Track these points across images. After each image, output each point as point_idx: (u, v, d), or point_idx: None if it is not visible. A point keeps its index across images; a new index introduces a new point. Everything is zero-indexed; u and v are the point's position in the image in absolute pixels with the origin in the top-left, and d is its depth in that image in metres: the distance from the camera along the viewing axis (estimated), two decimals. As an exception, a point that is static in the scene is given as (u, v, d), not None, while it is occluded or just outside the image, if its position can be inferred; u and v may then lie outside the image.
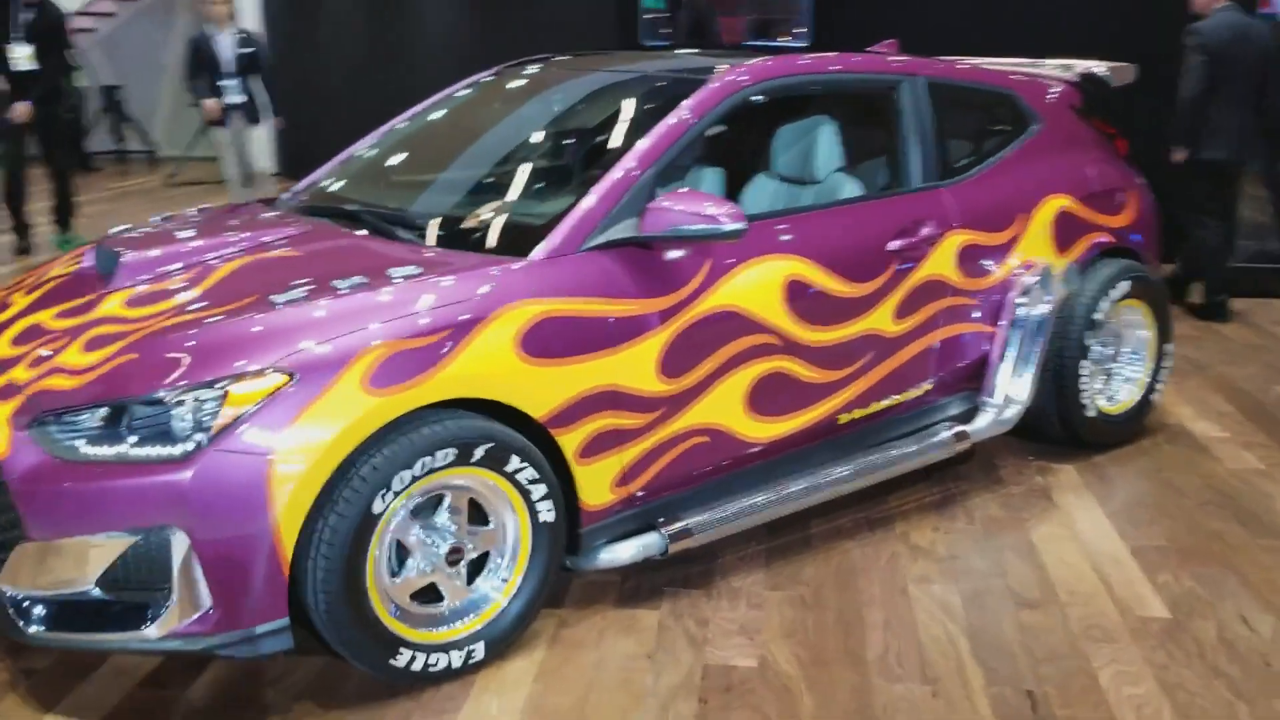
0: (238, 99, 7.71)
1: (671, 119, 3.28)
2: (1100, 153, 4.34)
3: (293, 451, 2.49)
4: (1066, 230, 4.09)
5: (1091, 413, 4.19)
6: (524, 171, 3.65)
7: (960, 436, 3.78)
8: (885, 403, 3.69)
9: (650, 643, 2.99)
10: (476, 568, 2.89)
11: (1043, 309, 3.91)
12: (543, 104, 3.92)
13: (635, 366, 3.01)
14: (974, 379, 3.94)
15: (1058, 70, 4.52)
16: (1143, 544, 3.55)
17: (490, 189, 3.55)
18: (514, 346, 2.79)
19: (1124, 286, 4.18)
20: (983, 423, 3.88)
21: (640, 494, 3.12)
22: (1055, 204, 4.06)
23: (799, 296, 3.33)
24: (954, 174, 3.89)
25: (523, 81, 4.08)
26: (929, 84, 3.89)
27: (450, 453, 2.68)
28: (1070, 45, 5.91)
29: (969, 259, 3.81)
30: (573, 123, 3.83)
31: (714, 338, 3.17)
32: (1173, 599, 3.20)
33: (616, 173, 3.13)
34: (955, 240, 3.75)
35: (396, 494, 2.62)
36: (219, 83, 7.65)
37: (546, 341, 2.84)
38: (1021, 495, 3.92)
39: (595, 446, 2.97)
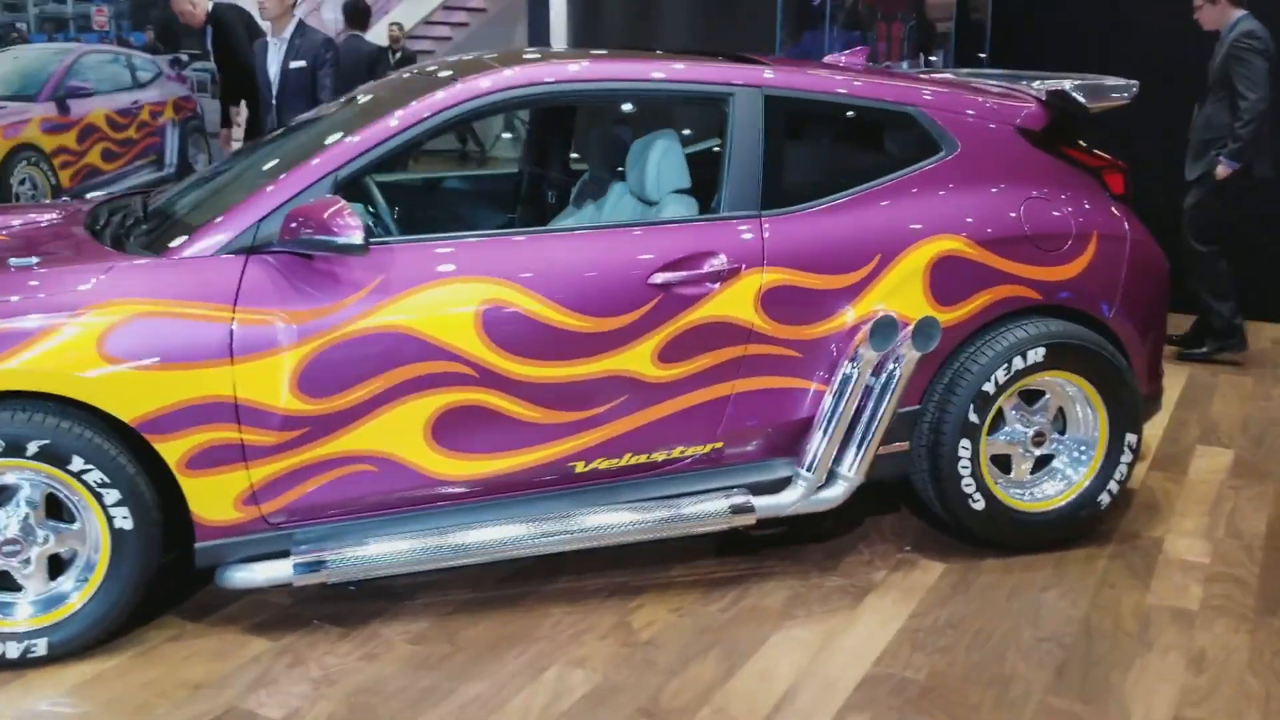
0: None
1: (376, 125, 3.08)
2: (1051, 188, 3.51)
3: None
4: (952, 279, 3.34)
5: (979, 505, 3.40)
6: (250, 175, 3.38)
7: (741, 510, 3.21)
8: (648, 456, 3.22)
9: (228, 670, 2.83)
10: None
11: (893, 370, 3.23)
12: (346, 107, 3.67)
13: (261, 381, 2.85)
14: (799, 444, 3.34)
15: (1032, 86, 3.70)
16: (890, 672, 2.84)
17: (217, 193, 3.37)
18: (97, 345, 2.74)
19: (1036, 355, 3.36)
20: (788, 498, 3.27)
21: (281, 517, 2.96)
22: (936, 247, 3.33)
23: (501, 325, 3.00)
24: (787, 202, 3.31)
25: (389, 81, 3.95)
26: (766, 97, 3.34)
27: None
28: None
29: (783, 303, 3.22)
30: (327, 125, 3.46)
31: (377, 359, 2.93)
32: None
33: (290, 177, 2.99)
34: (759, 279, 3.19)
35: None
36: None
37: (141, 344, 2.77)
38: (832, 589, 3.27)
39: (207, 459, 2.85)
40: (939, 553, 3.48)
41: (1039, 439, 3.50)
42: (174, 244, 2.94)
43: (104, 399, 2.75)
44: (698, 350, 3.17)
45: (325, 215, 2.80)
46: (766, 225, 3.25)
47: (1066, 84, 3.55)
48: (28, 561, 2.84)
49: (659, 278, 3.10)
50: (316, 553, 2.94)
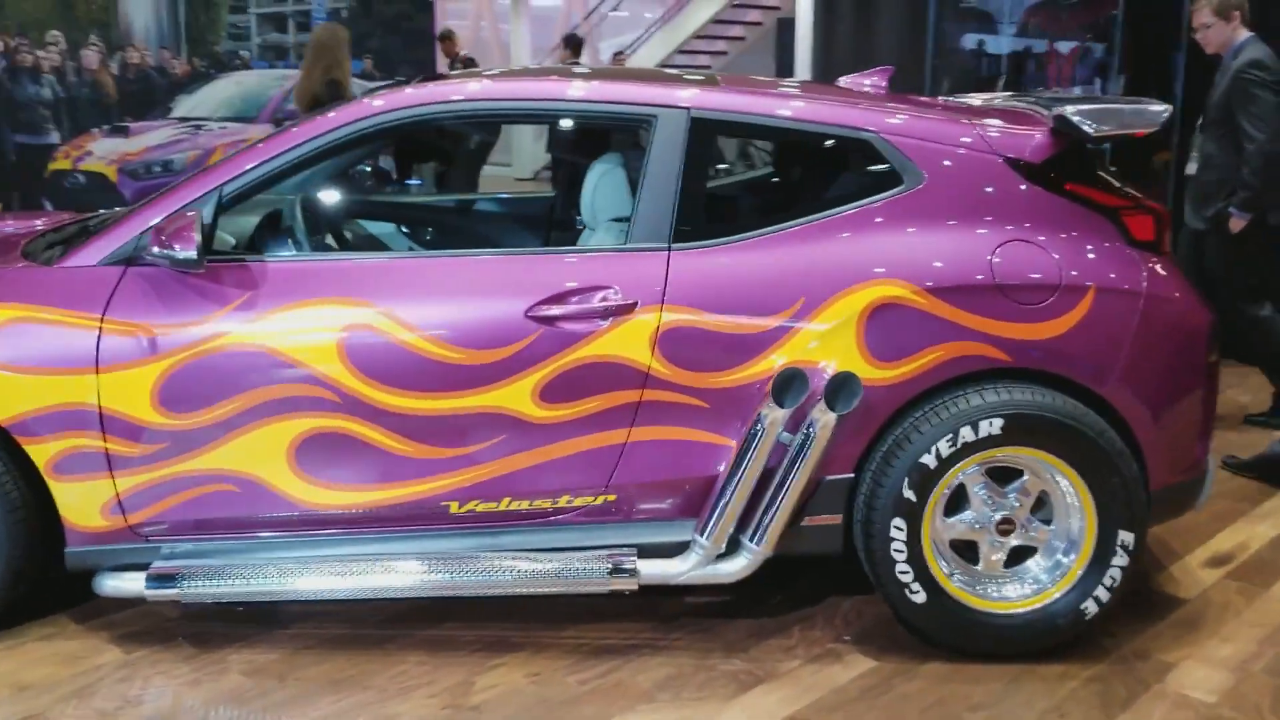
0: None
1: (271, 142, 3.03)
2: (1041, 231, 2.95)
3: None
4: (893, 331, 2.87)
5: (918, 596, 2.90)
6: None
7: (621, 571, 2.90)
8: (530, 503, 2.97)
9: (63, 675, 2.84)
10: None
11: (808, 432, 2.82)
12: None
13: (124, 391, 2.86)
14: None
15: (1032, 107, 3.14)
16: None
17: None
18: (-24, 348, 2.86)
19: (991, 427, 2.83)
20: (679, 566, 2.92)
21: (149, 529, 2.96)
22: (876, 292, 2.88)
23: (366, 351, 2.86)
24: (704, 236, 2.97)
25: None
26: (692, 119, 3.01)
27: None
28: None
29: (684, 345, 2.89)
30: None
31: (238, 378, 2.87)
32: None
33: (180, 189, 3.00)
34: (655, 319, 2.87)
35: None
36: None
37: (13, 347, 2.86)
38: (723, 673, 2.88)
39: (72, 465, 2.89)
40: (881, 648, 3.01)
41: (1006, 526, 2.95)
42: (63, 254, 3.02)
43: (-21, 399, 2.86)
44: (585, 392, 2.90)
45: (171, 229, 2.79)
46: (673, 259, 2.93)
47: (1070, 108, 2.99)
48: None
49: (540, 310, 2.87)
50: (170, 570, 2.92)
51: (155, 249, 2.79)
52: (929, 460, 2.85)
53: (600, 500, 2.98)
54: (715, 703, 2.76)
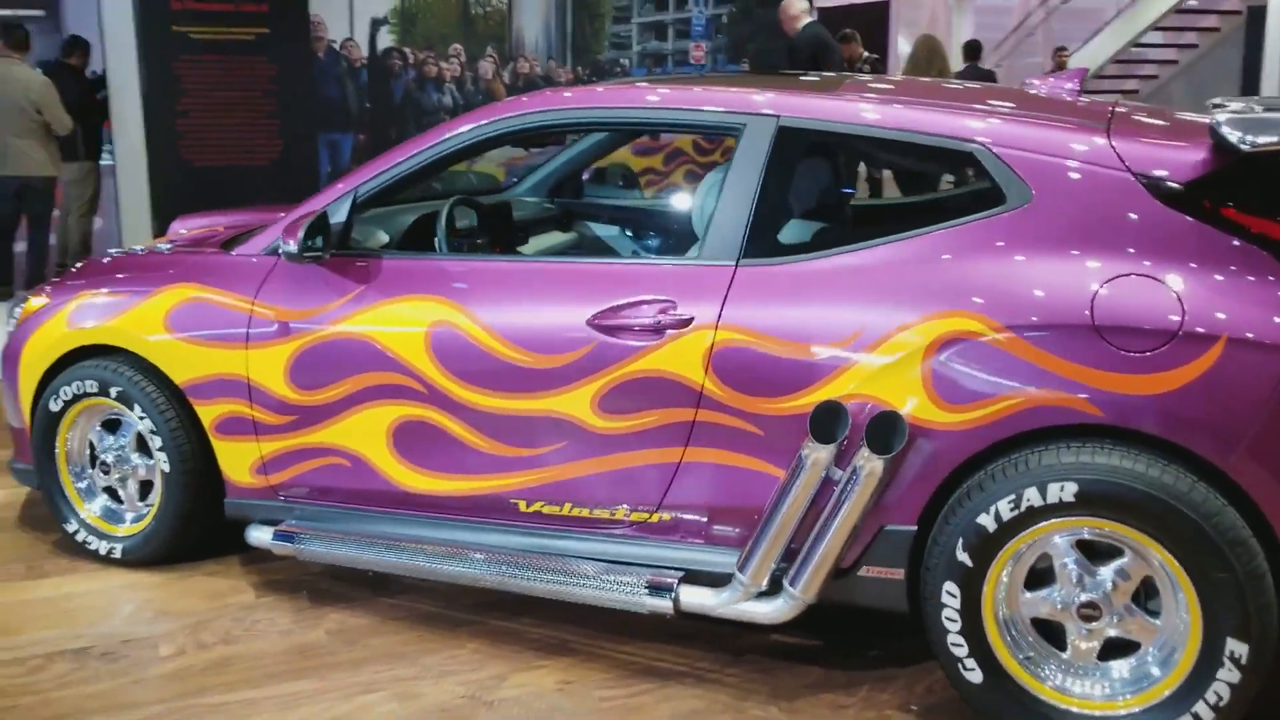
0: None
1: (398, 150, 3.25)
2: (1171, 266, 2.44)
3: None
4: (964, 372, 2.51)
5: (974, 675, 2.54)
6: None
7: (659, 591, 2.80)
8: (589, 511, 2.96)
9: (188, 606, 3.27)
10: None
11: (854, 476, 2.57)
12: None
13: (265, 366, 3.24)
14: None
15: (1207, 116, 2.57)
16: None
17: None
18: (163, 318, 3.36)
19: (1062, 492, 2.40)
20: (715, 598, 2.78)
21: (284, 490, 3.33)
22: (948, 326, 2.54)
23: (449, 348, 3.01)
24: (776, 252, 2.78)
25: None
26: (780, 129, 2.81)
27: (93, 385, 3.45)
28: None
29: (737, 367, 2.73)
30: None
31: (347, 362, 3.13)
32: None
33: (324, 192, 3.31)
34: (708, 337, 2.75)
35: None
36: None
37: (189, 321, 3.33)
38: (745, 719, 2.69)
39: (229, 427, 3.33)
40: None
41: (1089, 612, 2.49)
42: (243, 243, 3.45)
43: (166, 362, 3.37)
44: (640, 406, 2.84)
45: (289, 226, 3.10)
46: (738, 275, 2.78)
47: (1225, 115, 2.44)
48: (125, 482, 3.58)
49: (601, 320, 2.85)
50: (291, 529, 3.26)
51: (279, 243, 3.13)
52: (986, 522, 2.48)
53: (655, 518, 2.91)
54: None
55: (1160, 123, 2.76)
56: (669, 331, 2.79)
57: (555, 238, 4.23)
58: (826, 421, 2.57)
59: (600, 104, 3.13)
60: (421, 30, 8.44)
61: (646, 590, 2.83)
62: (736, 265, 2.79)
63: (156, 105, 7.71)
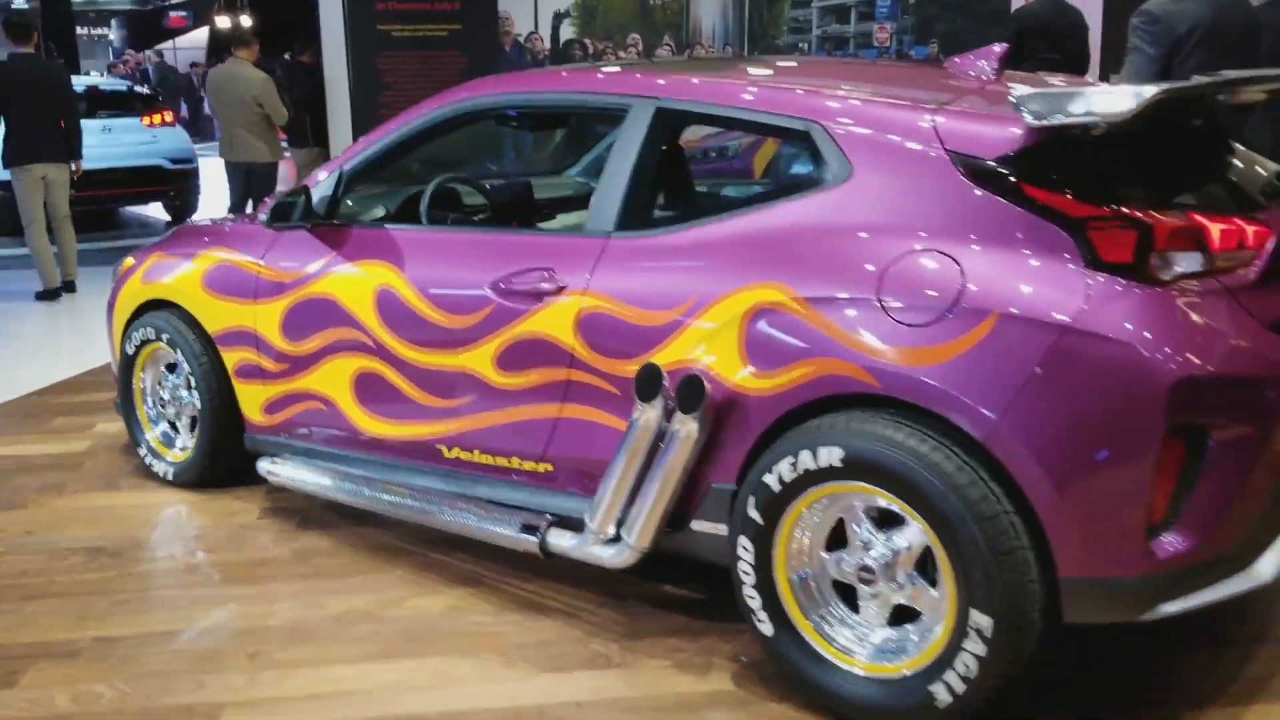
0: None
1: (381, 129, 3.66)
2: (961, 240, 2.45)
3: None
4: (772, 340, 2.64)
5: (766, 628, 2.67)
6: None
7: (529, 532, 3.08)
8: (493, 459, 3.26)
9: (203, 522, 3.85)
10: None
11: (673, 434, 2.76)
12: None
13: (268, 320, 3.76)
14: (613, 487, 3.00)
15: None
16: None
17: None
18: (200, 278, 3.96)
19: (830, 457, 2.49)
20: (570, 542, 3.02)
21: (283, 430, 3.84)
22: (756, 295, 2.66)
23: (388, 307, 3.40)
24: (646, 225, 2.97)
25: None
26: (659, 110, 2.99)
27: (152, 331, 4.10)
28: None
29: (599, 332, 2.96)
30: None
31: (320, 317, 3.59)
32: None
33: (328, 165, 3.78)
34: (577, 303, 2.99)
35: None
36: None
37: (218, 281, 3.91)
38: (580, 651, 2.92)
39: (245, 372, 3.88)
40: (764, 678, 2.79)
41: (868, 576, 2.56)
42: (261, 214, 3.99)
43: (203, 315, 3.97)
44: (528, 364, 3.12)
45: (271, 199, 3.59)
46: (608, 247, 3.00)
47: (1027, 91, 2.43)
48: (180, 416, 4.22)
49: (500, 285, 3.15)
50: (280, 462, 3.78)
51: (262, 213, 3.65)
52: (772, 481, 2.60)
53: (542, 468, 3.18)
54: (527, 671, 2.86)
55: (990, 98, 2.73)
56: (547, 297, 3.05)
57: (575, 216, 4.53)
58: (648, 383, 2.77)
59: (525, 88, 3.43)
60: (601, 22, 8.90)
61: (520, 531, 3.12)
62: (609, 237, 3.02)
63: (362, 98, 8.59)
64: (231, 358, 3.90)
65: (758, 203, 2.82)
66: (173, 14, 31.63)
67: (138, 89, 12.91)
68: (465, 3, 8.60)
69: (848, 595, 2.64)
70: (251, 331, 3.80)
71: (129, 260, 4.38)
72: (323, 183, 3.67)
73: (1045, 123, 2.39)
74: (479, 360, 3.21)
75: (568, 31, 8.85)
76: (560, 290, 3.03)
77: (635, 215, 3.02)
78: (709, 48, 8.98)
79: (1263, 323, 2.42)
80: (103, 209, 11.45)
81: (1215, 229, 2.39)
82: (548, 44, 8.84)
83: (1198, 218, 2.39)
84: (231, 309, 3.85)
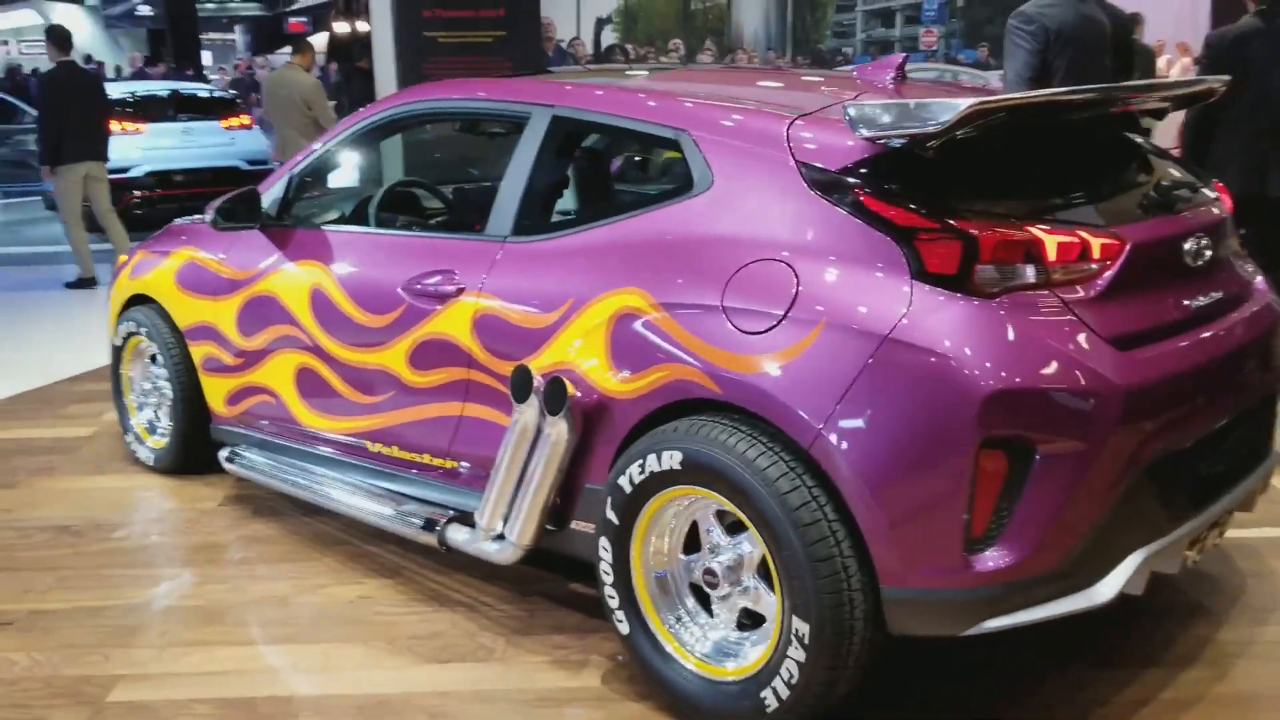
0: None
1: (328, 132, 3.81)
2: (799, 250, 2.48)
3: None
4: (633, 344, 2.70)
5: (623, 626, 2.73)
6: None
7: (429, 527, 3.18)
8: (405, 454, 3.38)
9: (170, 505, 4.04)
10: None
11: (545, 434, 2.84)
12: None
13: (226, 316, 3.95)
14: (508, 485, 3.08)
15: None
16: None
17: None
18: (173, 275, 4.17)
19: (671, 460, 2.54)
20: (462, 537, 3.11)
21: (242, 421, 4.03)
22: (620, 301, 2.73)
23: (321, 306, 3.55)
24: (538, 230, 3.05)
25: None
26: (555, 118, 3.07)
27: (134, 325, 4.34)
28: None
29: (491, 333, 3.05)
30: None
31: (266, 315, 3.77)
32: None
33: (274, 175, 3.95)
34: (474, 305, 3.09)
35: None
36: None
37: (187, 278, 4.11)
38: (468, 643, 3.01)
39: (209, 365, 4.08)
40: (636, 681, 2.86)
41: (709, 579, 2.60)
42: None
43: (175, 311, 4.18)
44: (434, 363, 3.24)
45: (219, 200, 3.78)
46: (504, 251, 3.09)
47: (860, 102, 2.45)
48: (160, 406, 4.44)
49: (410, 286, 3.27)
50: (236, 453, 3.96)
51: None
52: (624, 483, 2.66)
53: (448, 464, 3.30)
54: (410, 660, 2.97)
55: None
56: (449, 299, 3.16)
57: None
58: (521, 385, 2.85)
59: (447, 96, 3.55)
60: (643, 27, 8.99)
61: (422, 526, 3.23)
62: (505, 241, 3.11)
63: (409, 101, 8.81)
64: (198, 351, 4.10)
65: (634, 209, 2.88)
66: (292, 19, 32.67)
67: (217, 93, 13.44)
68: (510, 9, 8.77)
69: (707, 599, 2.69)
70: (213, 327, 3.99)
71: (123, 256, 4.63)
72: (275, 185, 3.85)
73: (866, 134, 2.41)
74: (394, 358, 3.33)
75: (609, 37, 8.96)
76: (460, 292, 3.13)
77: (530, 220, 3.10)
78: (751, 53, 9.00)
79: (1105, 336, 2.39)
80: (182, 207, 11.96)
81: (1052, 241, 2.37)
82: (590, 49, 8.96)
83: (1033, 230, 2.37)
84: (198, 305, 4.05)
